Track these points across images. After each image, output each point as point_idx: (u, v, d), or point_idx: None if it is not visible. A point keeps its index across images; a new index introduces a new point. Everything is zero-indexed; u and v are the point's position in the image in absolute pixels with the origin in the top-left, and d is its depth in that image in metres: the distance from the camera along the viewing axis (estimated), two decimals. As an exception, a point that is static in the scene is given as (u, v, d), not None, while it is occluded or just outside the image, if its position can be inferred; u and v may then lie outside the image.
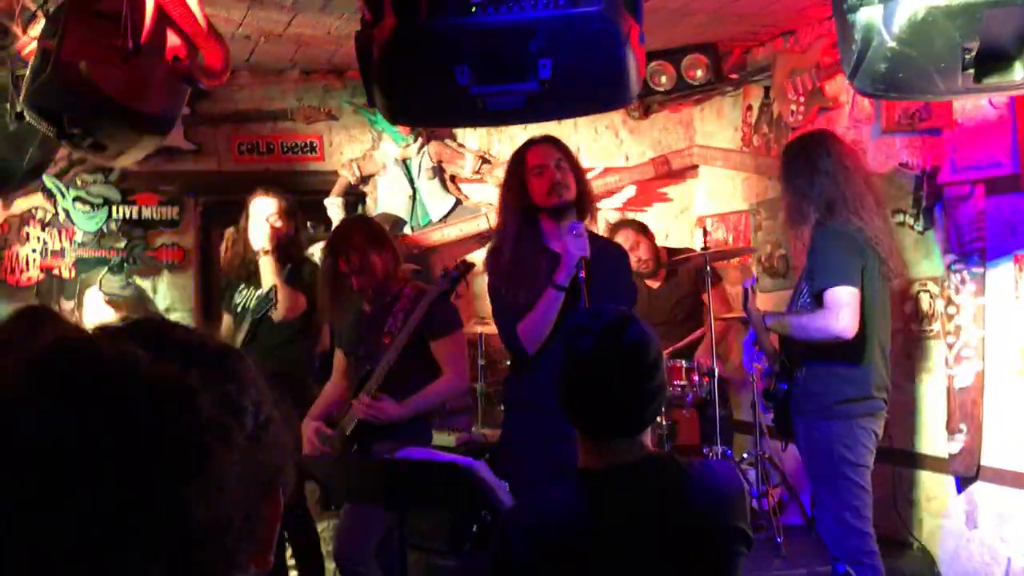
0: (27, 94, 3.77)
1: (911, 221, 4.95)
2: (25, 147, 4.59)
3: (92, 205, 6.45)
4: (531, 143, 4.04)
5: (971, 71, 2.94)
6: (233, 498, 0.83)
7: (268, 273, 4.94)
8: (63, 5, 3.68)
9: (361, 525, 4.27)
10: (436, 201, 6.77)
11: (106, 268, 6.48)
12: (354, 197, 6.78)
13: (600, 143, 6.97)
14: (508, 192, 4.04)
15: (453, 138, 6.81)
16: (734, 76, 6.38)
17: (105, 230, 6.48)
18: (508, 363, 4.30)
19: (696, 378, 5.44)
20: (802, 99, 5.70)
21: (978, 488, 4.73)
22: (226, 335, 5.05)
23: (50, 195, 6.41)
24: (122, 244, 6.49)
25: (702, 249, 5.47)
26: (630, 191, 6.87)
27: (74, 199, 6.42)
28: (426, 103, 3.15)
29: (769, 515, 4.99)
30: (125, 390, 0.80)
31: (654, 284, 6.02)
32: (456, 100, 2.97)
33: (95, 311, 6.47)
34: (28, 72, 3.88)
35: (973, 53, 2.91)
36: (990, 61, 2.95)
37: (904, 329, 4.97)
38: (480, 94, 2.94)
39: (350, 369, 4.54)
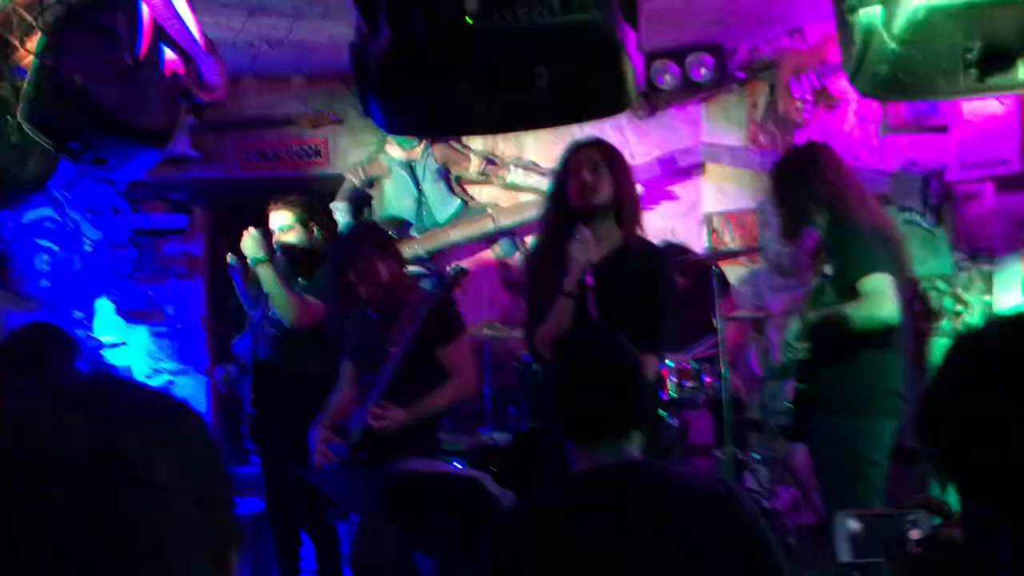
0: (27, 108, 3.78)
1: (919, 219, 4.91)
2: (28, 159, 4.60)
3: (100, 215, 6.46)
4: (575, 144, 3.94)
5: (973, 71, 2.92)
6: (176, 568, 0.81)
7: (266, 282, 4.87)
8: (61, 19, 3.69)
9: (376, 534, 4.26)
10: (442, 203, 6.76)
11: (115, 277, 6.49)
12: (360, 201, 6.77)
13: (606, 143, 6.93)
14: (549, 194, 4.00)
15: (458, 140, 6.80)
16: (740, 74, 6.35)
17: (114, 239, 6.49)
18: (515, 364, 4.27)
19: (707, 379, 5.42)
20: (808, 97, 5.66)
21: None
22: None
23: (58, 205, 6.42)
24: (131, 253, 6.51)
25: (711, 250, 5.44)
26: (637, 190, 6.83)
27: (82, 209, 6.43)
28: (423, 114, 3.14)
29: (781, 516, 4.96)
30: (58, 457, 0.78)
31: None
32: (453, 110, 2.96)
33: (104, 320, 6.49)
34: (27, 86, 3.89)
35: (975, 53, 2.88)
36: (993, 60, 2.93)
37: (913, 327, 4.93)
38: (477, 104, 2.93)
39: (357, 377, 4.53)
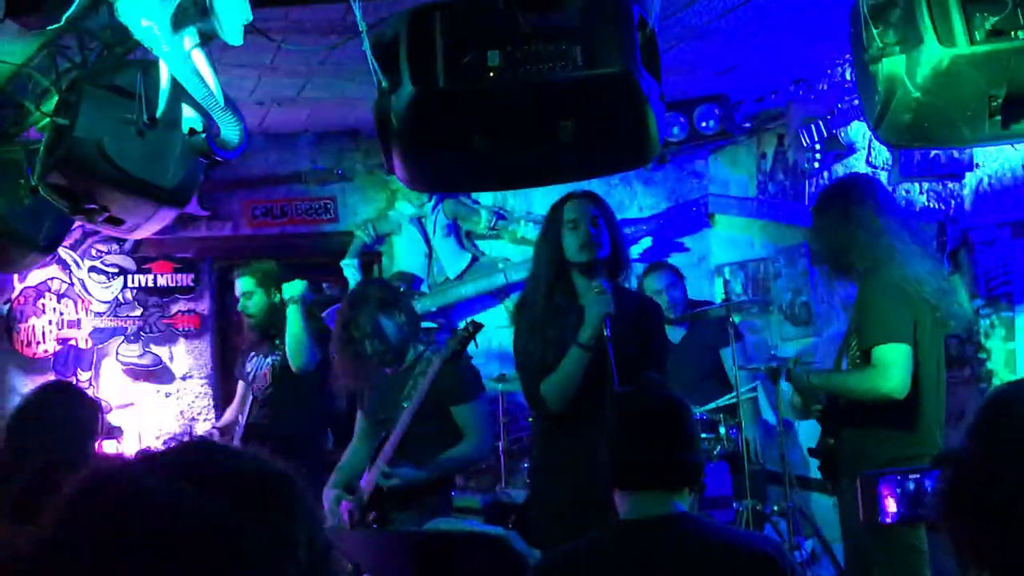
0: (41, 171, 3.77)
1: (936, 266, 4.88)
2: (41, 221, 4.59)
3: (107, 275, 6.44)
4: (569, 197, 3.92)
5: (998, 118, 2.91)
6: None
7: (293, 322, 5.13)
8: (77, 80, 3.69)
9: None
10: (452, 258, 6.74)
11: (122, 338, 6.46)
12: (370, 257, 6.75)
13: (614, 195, 6.93)
14: (542, 245, 3.94)
15: (468, 195, 6.79)
16: (747, 124, 6.36)
17: (121, 299, 6.47)
18: (530, 419, 4.23)
19: (723, 430, 5.37)
20: (817, 146, 5.66)
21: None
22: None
23: (65, 266, 6.41)
24: (138, 313, 6.48)
25: (723, 301, 5.41)
26: (647, 242, 6.83)
27: (89, 269, 6.41)
28: (446, 169, 3.11)
29: (802, 567, 4.88)
30: (171, 533, 0.74)
31: (676, 335, 5.95)
32: (476, 165, 2.94)
33: (112, 381, 6.44)
34: (42, 148, 3.88)
35: (1000, 100, 2.87)
36: (1017, 107, 2.92)
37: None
38: (501, 158, 2.90)
39: (371, 433, 4.47)
